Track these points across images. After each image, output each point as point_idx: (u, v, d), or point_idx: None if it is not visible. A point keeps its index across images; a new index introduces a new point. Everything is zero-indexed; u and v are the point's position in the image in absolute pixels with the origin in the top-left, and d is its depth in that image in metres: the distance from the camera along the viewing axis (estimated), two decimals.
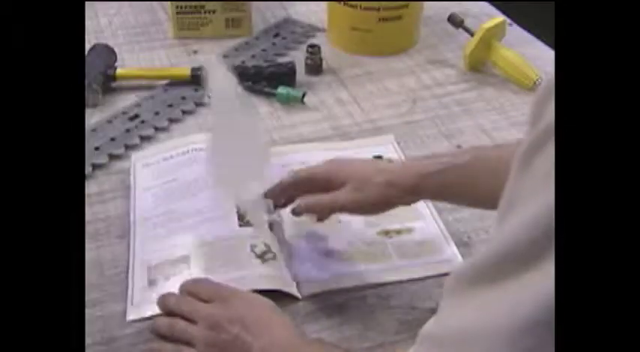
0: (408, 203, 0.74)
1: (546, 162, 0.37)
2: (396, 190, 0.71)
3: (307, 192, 0.74)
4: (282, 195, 0.77)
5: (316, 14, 1.30)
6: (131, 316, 0.73)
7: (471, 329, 0.41)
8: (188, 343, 0.68)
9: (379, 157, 0.93)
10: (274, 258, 0.78)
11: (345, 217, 0.84)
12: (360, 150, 0.96)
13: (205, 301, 0.70)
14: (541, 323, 0.37)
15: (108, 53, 1.12)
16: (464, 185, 0.70)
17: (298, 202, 0.74)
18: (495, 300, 0.40)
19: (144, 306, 0.74)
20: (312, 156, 0.93)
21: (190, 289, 0.73)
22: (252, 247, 0.78)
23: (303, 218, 0.77)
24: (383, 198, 0.72)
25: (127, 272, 0.78)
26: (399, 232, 0.83)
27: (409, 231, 0.83)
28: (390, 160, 0.88)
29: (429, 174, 0.70)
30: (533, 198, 0.38)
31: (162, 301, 0.73)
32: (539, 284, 0.37)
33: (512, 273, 0.39)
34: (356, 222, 0.84)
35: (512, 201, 0.40)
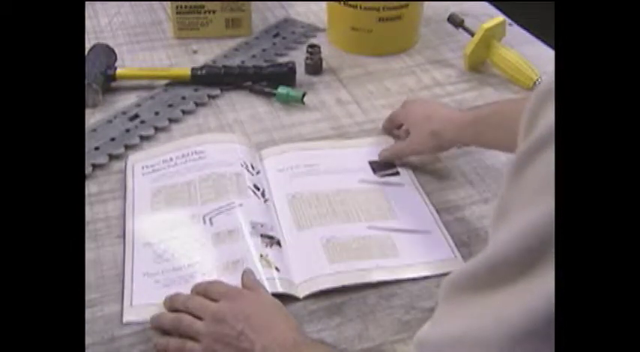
0: (449, 148, 0.91)
1: (539, 171, 0.37)
2: (442, 140, 0.88)
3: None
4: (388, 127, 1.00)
5: (316, 14, 1.30)
6: (127, 317, 0.73)
7: (465, 338, 0.41)
8: (193, 338, 0.68)
9: (375, 163, 0.94)
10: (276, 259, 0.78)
11: (345, 217, 0.85)
12: (358, 150, 0.96)
13: (214, 300, 0.71)
14: (532, 334, 0.36)
15: (108, 53, 1.12)
16: (488, 134, 0.84)
17: (380, 155, 0.95)
18: (487, 309, 0.40)
19: (141, 308, 0.74)
20: (310, 158, 0.93)
21: (200, 290, 0.73)
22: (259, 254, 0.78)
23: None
24: (433, 146, 0.90)
25: (124, 273, 0.78)
26: (398, 232, 0.83)
27: (409, 230, 0.83)
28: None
29: (465, 127, 0.85)
30: (527, 208, 0.38)
31: (171, 299, 0.73)
32: (530, 294, 0.37)
33: (504, 282, 0.39)
34: (356, 222, 0.84)
35: (505, 210, 0.40)
